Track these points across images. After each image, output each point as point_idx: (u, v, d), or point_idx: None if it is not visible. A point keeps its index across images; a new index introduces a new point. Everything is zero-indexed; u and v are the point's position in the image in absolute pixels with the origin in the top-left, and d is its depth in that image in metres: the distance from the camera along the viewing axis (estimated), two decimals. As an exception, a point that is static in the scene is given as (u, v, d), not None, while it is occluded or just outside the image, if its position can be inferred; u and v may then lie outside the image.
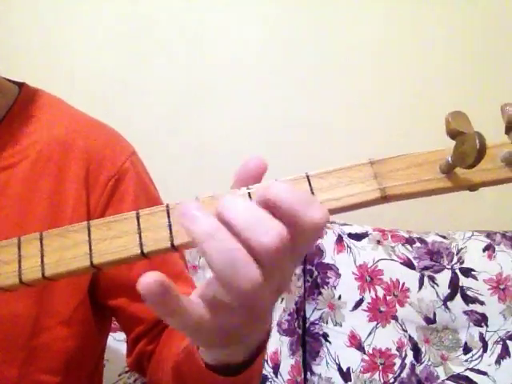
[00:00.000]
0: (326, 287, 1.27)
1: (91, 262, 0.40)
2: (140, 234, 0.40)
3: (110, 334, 0.86)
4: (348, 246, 1.30)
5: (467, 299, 1.26)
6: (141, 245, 0.39)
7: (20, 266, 0.41)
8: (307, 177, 0.40)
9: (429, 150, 0.39)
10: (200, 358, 0.48)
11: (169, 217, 0.40)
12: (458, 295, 1.26)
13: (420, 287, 1.26)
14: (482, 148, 0.34)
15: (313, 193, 0.39)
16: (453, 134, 0.37)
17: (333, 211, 0.39)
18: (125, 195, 0.74)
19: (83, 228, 0.41)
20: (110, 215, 0.71)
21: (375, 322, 1.24)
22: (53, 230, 0.41)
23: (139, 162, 0.80)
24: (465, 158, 0.35)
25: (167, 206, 0.40)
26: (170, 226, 0.39)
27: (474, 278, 1.26)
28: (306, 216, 0.34)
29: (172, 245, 0.39)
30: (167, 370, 0.65)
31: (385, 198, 0.38)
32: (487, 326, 1.25)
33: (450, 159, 0.37)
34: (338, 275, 1.27)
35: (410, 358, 1.22)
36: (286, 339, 1.24)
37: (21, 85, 0.77)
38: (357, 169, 0.39)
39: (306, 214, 0.34)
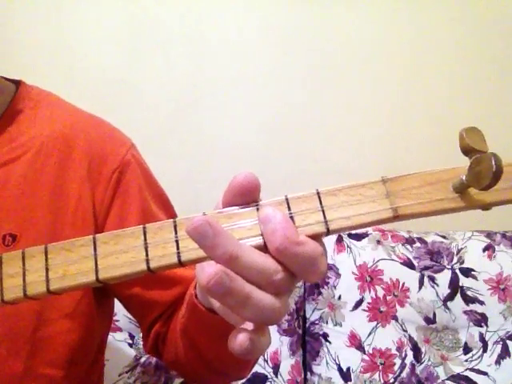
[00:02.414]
0: (325, 287, 1.27)
1: (97, 278, 0.39)
2: (147, 249, 0.39)
3: (110, 333, 0.86)
4: (348, 246, 1.30)
5: (467, 299, 1.26)
6: (147, 260, 0.39)
7: (25, 280, 0.40)
8: (318, 194, 0.39)
9: (442, 168, 0.39)
10: (200, 305, 0.53)
11: (176, 232, 0.39)
12: (458, 295, 1.26)
13: (420, 287, 1.26)
14: (498, 170, 0.33)
15: (323, 210, 0.38)
16: (466, 151, 0.37)
17: (343, 229, 0.39)
18: (129, 186, 0.76)
19: (89, 242, 0.40)
20: (117, 206, 0.74)
21: (375, 322, 1.24)
22: (58, 244, 0.41)
23: (139, 154, 0.82)
24: (480, 179, 0.35)
25: (174, 221, 0.40)
26: (177, 241, 0.39)
27: (474, 278, 1.26)
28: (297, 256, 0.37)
29: (179, 260, 0.39)
30: (177, 338, 0.68)
31: (396, 217, 0.38)
32: (487, 325, 1.25)
33: (464, 179, 0.37)
34: (338, 275, 1.27)
35: (410, 358, 1.22)
36: (286, 339, 1.24)
37: (17, 82, 0.78)
38: (369, 186, 0.39)
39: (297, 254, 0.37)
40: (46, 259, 0.41)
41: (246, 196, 0.39)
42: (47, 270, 0.40)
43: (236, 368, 0.68)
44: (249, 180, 0.39)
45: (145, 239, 0.40)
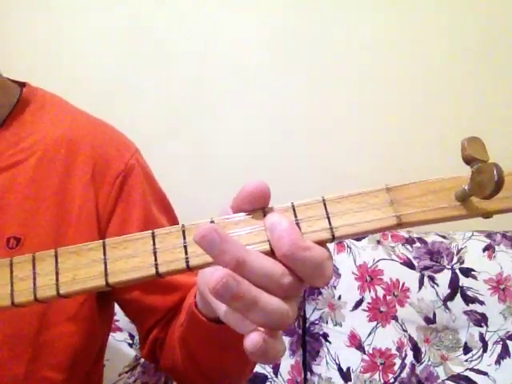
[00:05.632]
0: (325, 287, 1.27)
1: (106, 282, 0.40)
2: (155, 254, 0.40)
3: (110, 333, 0.87)
4: (348, 246, 1.30)
5: (467, 299, 1.26)
6: (156, 265, 0.40)
7: (35, 284, 0.41)
8: (323, 201, 0.40)
9: (445, 176, 0.39)
10: (200, 315, 0.53)
11: (184, 237, 0.40)
12: (458, 295, 1.26)
13: (420, 287, 1.26)
14: (500, 180, 0.34)
15: (329, 217, 0.39)
16: (468, 160, 0.38)
17: (348, 236, 0.39)
18: (133, 191, 0.76)
19: (98, 246, 0.41)
20: (120, 210, 0.74)
21: (375, 322, 1.25)
22: (67, 248, 0.42)
23: (142, 159, 0.82)
24: (482, 189, 0.35)
25: (183, 227, 0.40)
26: (185, 246, 0.40)
27: (474, 278, 1.27)
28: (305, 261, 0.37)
29: (187, 266, 0.39)
30: (175, 345, 0.68)
31: (400, 225, 0.39)
32: (487, 326, 1.25)
33: (466, 188, 0.37)
34: (338, 275, 1.28)
35: (410, 358, 1.23)
36: (286, 339, 1.24)
37: (22, 85, 0.78)
38: (373, 194, 0.39)
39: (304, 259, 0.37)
40: (56, 263, 0.41)
41: (255, 203, 0.40)
42: (57, 273, 0.41)
43: (233, 379, 0.69)
44: (260, 189, 0.39)
45: (153, 244, 0.40)
